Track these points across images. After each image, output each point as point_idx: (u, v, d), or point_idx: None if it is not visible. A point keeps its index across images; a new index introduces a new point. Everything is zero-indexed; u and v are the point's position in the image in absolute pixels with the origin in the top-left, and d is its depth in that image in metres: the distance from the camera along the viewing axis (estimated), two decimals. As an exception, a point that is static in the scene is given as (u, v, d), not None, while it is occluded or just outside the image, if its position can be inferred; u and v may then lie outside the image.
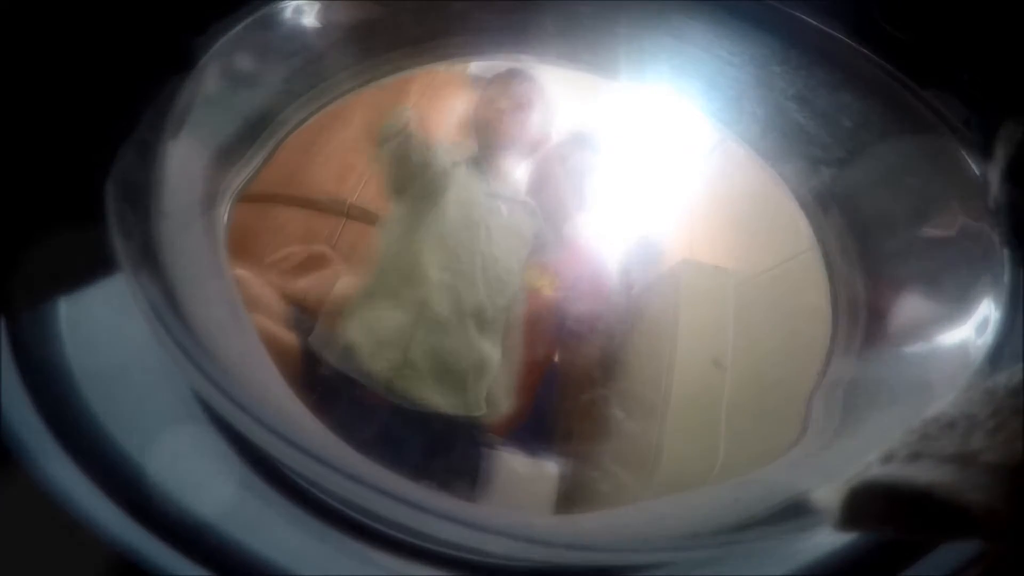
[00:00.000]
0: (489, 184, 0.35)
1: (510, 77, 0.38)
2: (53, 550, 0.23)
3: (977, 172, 0.28)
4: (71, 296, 0.27)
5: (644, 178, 0.41)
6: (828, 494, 0.17)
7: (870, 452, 0.17)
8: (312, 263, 0.35)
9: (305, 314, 0.35)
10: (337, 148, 0.41)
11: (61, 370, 0.26)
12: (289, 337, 0.34)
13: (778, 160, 0.37)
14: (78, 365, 0.26)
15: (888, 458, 0.16)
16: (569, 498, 0.33)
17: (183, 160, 0.27)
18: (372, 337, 0.32)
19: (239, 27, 0.31)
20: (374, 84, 0.39)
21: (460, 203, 0.34)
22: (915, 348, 0.29)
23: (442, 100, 0.43)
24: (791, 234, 0.36)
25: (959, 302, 0.28)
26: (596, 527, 0.29)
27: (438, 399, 0.32)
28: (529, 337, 0.37)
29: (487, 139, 0.37)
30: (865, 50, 0.33)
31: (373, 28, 0.38)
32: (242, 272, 0.34)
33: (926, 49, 0.31)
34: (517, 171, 0.37)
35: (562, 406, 0.36)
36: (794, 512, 0.21)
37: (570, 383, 0.37)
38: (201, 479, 0.26)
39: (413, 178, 0.34)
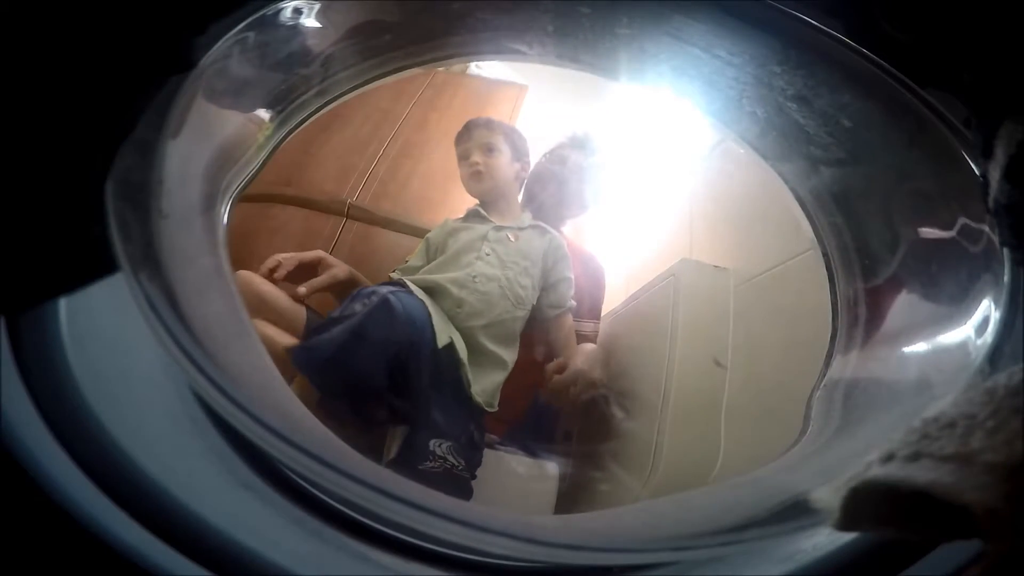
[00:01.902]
0: (492, 222, 0.40)
1: (471, 129, 0.42)
2: (53, 549, 0.23)
3: (977, 172, 0.28)
4: (71, 296, 0.27)
5: (644, 178, 0.42)
6: (828, 494, 0.17)
7: (870, 452, 0.17)
8: (307, 270, 0.37)
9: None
10: (337, 148, 0.41)
11: (61, 370, 0.26)
12: (290, 340, 0.35)
13: (778, 160, 0.37)
14: (78, 365, 0.26)
15: (888, 458, 0.16)
16: (569, 498, 0.33)
17: (183, 160, 0.27)
18: None
19: (239, 27, 0.31)
20: (374, 84, 0.39)
21: (466, 244, 0.39)
22: (915, 348, 0.29)
23: (442, 100, 0.43)
24: (791, 234, 0.36)
25: (959, 302, 0.28)
26: (596, 527, 0.29)
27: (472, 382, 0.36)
28: (530, 338, 0.38)
29: (480, 190, 0.41)
30: (865, 50, 0.33)
31: (373, 28, 0.38)
32: (246, 272, 0.35)
33: (926, 49, 0.31)
34: (519, 201, 0.41)
35: (563, 406, 0.36)
36: (794, 512, 0.21)
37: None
38: (201, 479, 0.26)
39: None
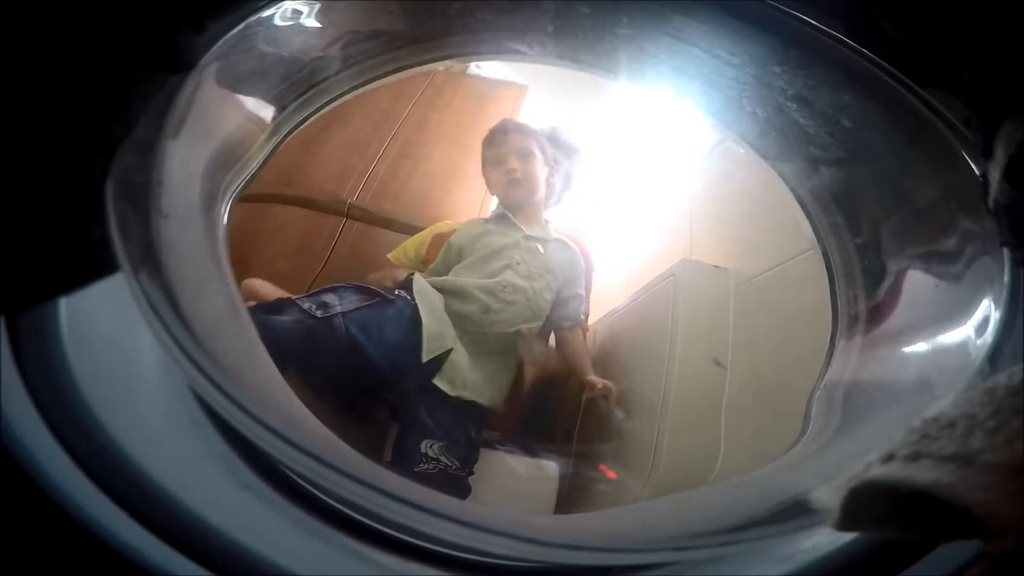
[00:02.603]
0: (522, 230, 0.40)
1: (505, 133, 0.41)
2: (53, 549, 0.23)
3: (977, 172, 0.28)
4: (71, 296, 0.27)
5: (644, 178, 0.42)
6: (828, 494, 0.17)
7: (870, 452, 0.17)
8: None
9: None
10: (337, 148, 0.41)
11: (61, 370, 0.26)
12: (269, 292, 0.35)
13: (778, 160, 0.37)
14: (78, 365, 0.26)
15: (888, 458, 0.16)
16: (569, 498, 0.33)
17: (183, 160, 0.27)
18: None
19: (239, 27, 0.31)
20: (374, 84, 0.39)
21: (497, 249, 0.39)
22: (915, 348, 0.29)
23: (442, 100, 0.43)
24: (791, 234, 0.36)
25: (959, 302, 0.28)
26: (596, 527, 0.29)
27: (472, 389, 0.36)
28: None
29: (511, 196, 0.40)
30: (865, 50, 0.33)
31: (373, 28, 0.38)
32: (254, 280, 0.35)
33: (926, 49, 0.31)
34: (548, 212, 0.41)
35: (562, 406, 0.37)
36: (794, 512, 0.21)
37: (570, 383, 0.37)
38: (201, 479, 0.26)
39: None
